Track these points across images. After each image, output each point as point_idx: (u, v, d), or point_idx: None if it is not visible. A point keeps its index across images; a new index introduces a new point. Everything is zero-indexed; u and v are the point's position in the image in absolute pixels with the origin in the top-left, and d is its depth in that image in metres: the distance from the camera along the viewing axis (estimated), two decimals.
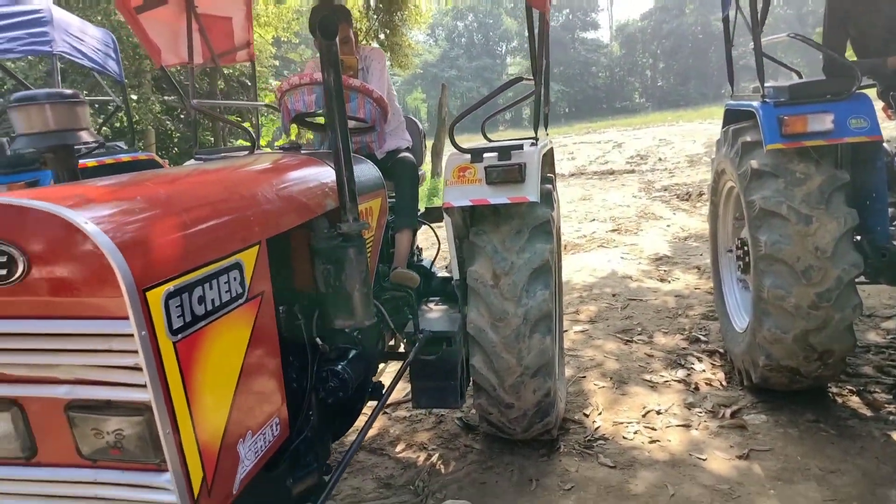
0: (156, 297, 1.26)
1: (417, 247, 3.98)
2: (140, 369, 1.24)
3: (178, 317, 1.33)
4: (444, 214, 3.09)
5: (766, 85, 3.56)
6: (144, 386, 1.25)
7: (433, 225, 3.84)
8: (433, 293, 3.52)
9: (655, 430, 3.53)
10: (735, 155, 3.65)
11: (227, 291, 1.51)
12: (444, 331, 3.02)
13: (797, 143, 3.21)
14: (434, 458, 3.45)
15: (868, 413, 3.46)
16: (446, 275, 3.59)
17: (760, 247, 3.28)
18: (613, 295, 6.00)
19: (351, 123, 2.84)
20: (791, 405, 3.57)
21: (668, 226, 8.98)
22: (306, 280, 2.15)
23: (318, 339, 2.15)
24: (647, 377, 4.19)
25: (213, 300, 1.45)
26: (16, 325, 1.27)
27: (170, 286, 1.31)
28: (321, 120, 3.04)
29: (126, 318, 1.21)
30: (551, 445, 3.43)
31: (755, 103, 3.50)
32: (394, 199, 3.32)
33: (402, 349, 3.59)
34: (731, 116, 4.03)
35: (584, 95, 54.84)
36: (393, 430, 3.82)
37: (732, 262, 4.33)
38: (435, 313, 3.30)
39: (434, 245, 4.36)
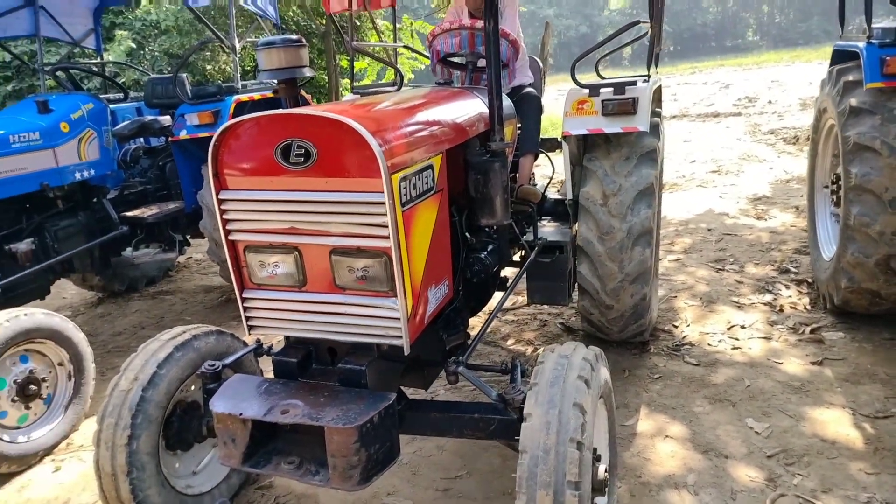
0: (396, 179, 1.93)
1: (532, 173, 4.54)
2: (386, 226, 1.92)
3: (405, 195, 1.99)
4: (562, 142, 3.62)
5: (873, 26, 3.76)
6: (387, 238, 1.94)
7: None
8: (546, 213, 4.09)
9: (738, 340, 4.01)
10: (837, 94, 3.91)
11: (425, 184, 2.17)
12: (557, 241, 3.62)
13: None
14: (539, 351, 4.11)
15: None
16: (558, 197, 4.14)
17: (851, 178, 3.60)
18: (709, 229, 6.33)
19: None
20: (869, 325, 3.93)
21: (771, 168, 8.97)
22: (460, 187, 2.79)
23: (466, 234, 2.80)
24: (735, 299, 4.62)
25: (420, 188, 2.11)
26: (307, 196, 1.98)
27: (401, 174, 1.97)
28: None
29: (382, 192, 1.88)
30: (643, 347, 3.99)
31: (860, 44, 3.73)
32: (519, 129, 3.87)
33: (516, 259, 4.22)
34: (838, 57, 4.23)
35: (692, 33, 51.72)
36: (503, 329, 4.51)
37: (827, 198, 4.60)
38: (549, 227, 3.89)
39: (542, 172, 4.90)
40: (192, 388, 2.74)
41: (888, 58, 3.45)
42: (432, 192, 2.24)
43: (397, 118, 2.20)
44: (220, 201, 2.10)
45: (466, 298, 2.89)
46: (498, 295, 3.39)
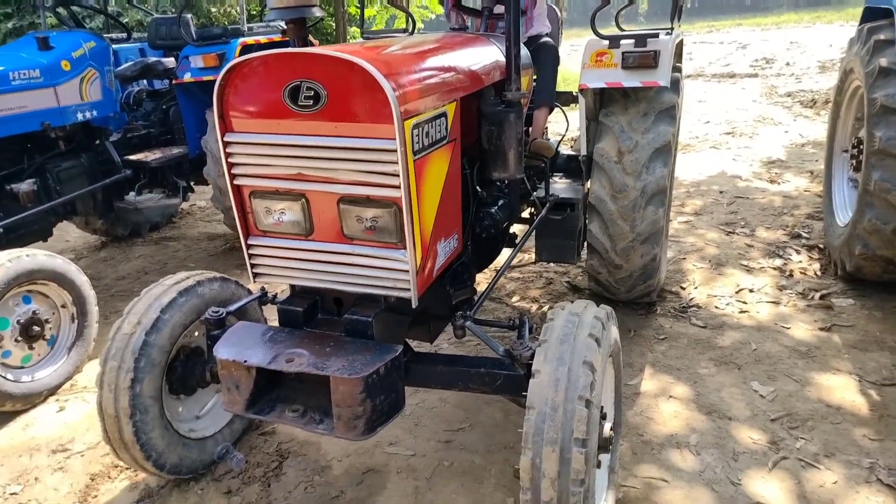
0: (408, 126, 1.85)
1: (545, 127, 4.42)
2: (397, 175, 1.85)
3: (417, 143, 1.92)
4: (578, 95, 3.50)
5: None
6: (398, 187, 1.87)
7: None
8: (558, 169, 4.00)
9: (746, 303, 3.97)
10: (866, 53, 3.76)
11: (438, 132, 2.09)
12: (569, 198, 3.54)
13: None
14: (545, 308, 4.09)
15: None
16: (571, 153, 4.04)
17: (875, 142, 3.49)
18: (721, 192, 6.23)
19: (502, 9, 3.26)
20: (880, 293, 3.88)
21: (787, 131, 8.79)
22: (472, 138, 2.70)
23: (477, 187, 2.73)
24: (745, 262, 4.57)
25: (432, 136, 2.03)
26: (315, 140, 1.90)
27: (414, 121, 1.89)
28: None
29: (393, 139, 1.80)
30: (649, 308, 3.96)
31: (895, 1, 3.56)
32: (535, 80, 3.75)
33: (525, 216, 4.15)
34: (870, 14, 4.05)
35: None
36: (509, 286, 4.48)
37: (846, 162, 4.49)
38: (561, 184, 3.81)
39: (553, 129, 4.78)
40: (196, 333, 2.73)
41: None
42: (445, 141, 2.16)
43: (411, 62, 2.10)
44: (226, 144, 2.03)
45: (475, 254, 2.84)
46: (506, 251, 3.34)
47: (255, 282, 2.27)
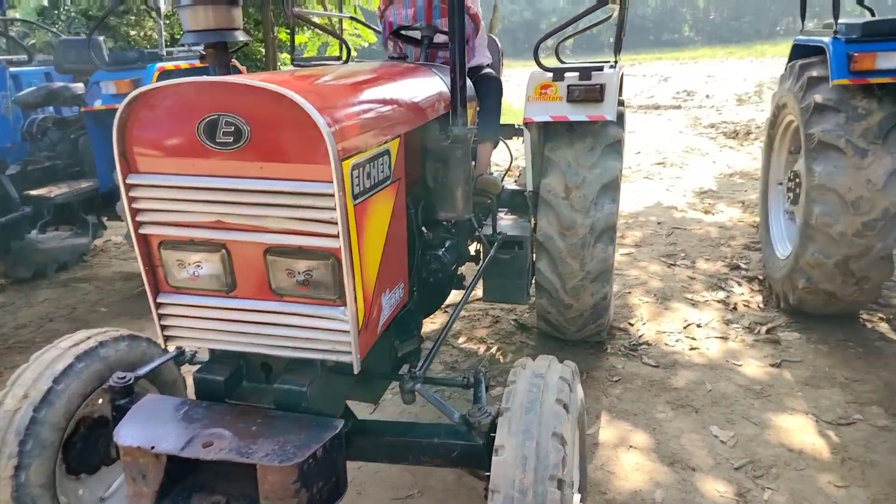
0: (347, 166, 1.60)
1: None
2: (335, 223, 1.59)
3: (357, 185, 1.67)
4: (523, 129, 3.36)
5: (839, 21, 3.67)
6: (336, 236, 1.61)
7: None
8: (503, 204, 3.83)
9: (695, 339, 3.89)
10: (799, 89, 3.81)
11: (381, 172, 1.85)
12: (516, 235, 3.37)
13: (864, 80, 3.37)
14: (493, 350, 3.88)
15: (895, 337, 3.77)
16: (516, 187, 3.89)
17: (814, 177, 3.51)
18: (658, 223, 6.26)
19: (444, 38, 3.09)
20: (823, 326, 3.89)
21: (714, 162, 9.07)
22: (416, 176, 2.48)
23: (423, 228, 2.50)
24: (689, 296, 4.52)
25: (374, 177, 1.79)
26: (237, 183, 1.62)
27: (353, 160, 1.64)
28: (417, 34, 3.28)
29: (330, 181, 1.55)
30: (599, 347, 3.82)
31: (826, 39, 3.63)
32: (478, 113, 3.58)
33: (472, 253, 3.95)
34: (799, 51, 4.14)
35: (631, 25, 52.47)
36: (455, 325, 4.24)
37: (782, 195, 4.55)
38: (507, 221, 3.63)
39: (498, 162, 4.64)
40: (100, 401, 2.34)
41: (856, 54, 3.35)
42: (389, 181, 1.92)
43: (348, 93, 1.86)
44: (129, 187, 1.71)
45: (421, 300, 2.60)
46: (454, 293, 3.12)
47: (166, 346, 1.93)
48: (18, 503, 1.99)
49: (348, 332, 1.72)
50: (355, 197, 1.67)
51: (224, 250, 1.75)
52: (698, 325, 4.07)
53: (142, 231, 1.77)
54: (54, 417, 2.08)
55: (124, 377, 2.15)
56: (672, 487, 2.61)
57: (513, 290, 3.43)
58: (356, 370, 1.76)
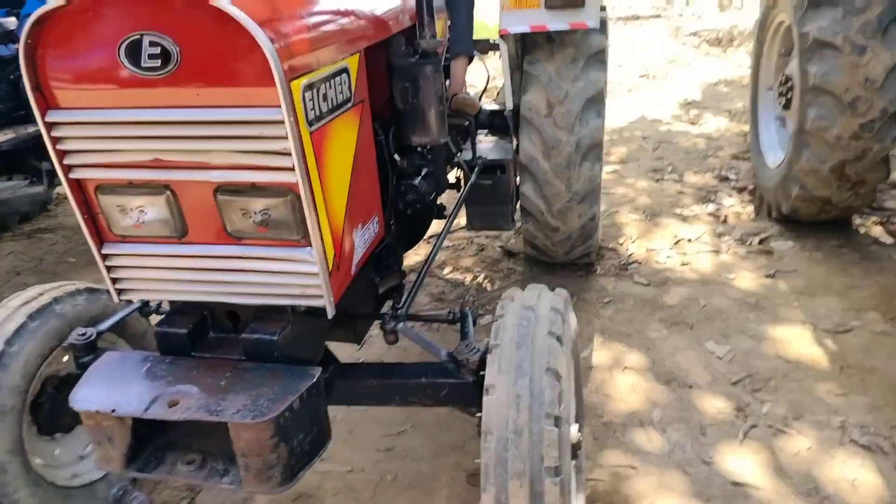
0: (297, 88, 1.39)
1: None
2: (288, 154, 1.40)
3: (312, 109, 1.46)
4: (498, 42, 3.10)
5: None
6: (292, 169, 1.42)
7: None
8: (482, 126, 3.61)
9: (686, 255, 3.79)
10: None
11: (340, 93, 1.63)
12: (498, 159, 3.17)
13: None
14: (480, 279, 3.76)
15: (890, 241, 3.68)
16: (494, 107, 3.65)
17: (809, 78, 3.31)
18: (644, 137, 6.06)
19: None
20: (817, 234, 3.79)
21: (698, 71, 8.76)
22: (384, 98, 2.26)
23: (396, 156, 2.30)
24: (678, 211, 4.39)
25: (332, 99, 1.58)
26: (172, 114, 1.41)
27: (305, 80, 1.43)
28: None
29: (277, 106, 1.34)
30: (588, 268, 3.71)
31: None
32: (449, 27, 3.30)
33: (451, 180, 3.75)
34: None
35: None
36: (440, 256, 4.10)
37: (772, 101, 4.34)
38: (487, 143, 3.42)
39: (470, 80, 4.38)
40: (65, 358, 2.20)
41: None
42: (350, 104, 1.71)
43: (294, 2, 1.61)
44: (50, 126, 1.49)
45: (399, 233, 2.44)
46: (436, 223, 2.95)
47: (119, 300, 1.76)
48: None
49: (317, 274, 1.56)
50: (310, 123, 1.46)
51: (169, 192, 1.55)
52: (689, 240, 3.96)
53: (73, 175, 1.56)
54: (11, 381, 1.95)
55: (85, 333, 2.01)
56: (669, 406, 2.55)
57: (496, 217, 3.27)
58: (329, 314, 1.61)
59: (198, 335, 1.75)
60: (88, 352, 2.00)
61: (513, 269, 3.82)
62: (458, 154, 3.02)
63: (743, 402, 2.54)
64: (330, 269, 1.60)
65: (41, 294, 2.12)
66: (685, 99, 7.37)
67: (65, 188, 1.58)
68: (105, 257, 1.67)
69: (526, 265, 3.83)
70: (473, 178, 2.93)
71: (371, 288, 2.24)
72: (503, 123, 3.37)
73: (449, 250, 4.15)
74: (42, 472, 2.09)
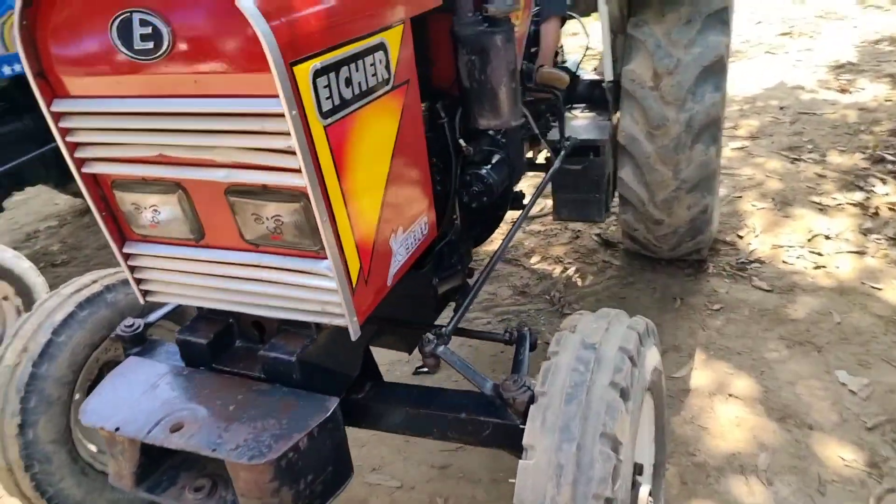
0: (304, 73, 1.14)
1: (560, 45, 3.57)
2: (293, 153, 1.16)
3: (327, 98, 1.21)
4: (599, 1, 2.67)
5: None
6: (299, 171, 1.18)
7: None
8: (578, 99, 3.19)
9: (822, 255, 3.19)
10: None
11: (373, 75, 1.36)
12: (591, 139, 2.76)
13: None
14: (570, 272, 3.40)
15: None
16: (594, 77, 3.22)
17: None
18: (781, 108, 5.26)
19: None
20: None
21: (855, 27, 7.51)
22: (448, 74, 1.96)
23: (461, 141, 2.00)
24: (816, 199, 3.73)
25: (359, 83, 1.31)
26: (170, 105, 1.22)
27: (317, 62, 1.17)
28: None
29: (276, 96, 1.10)
30: (698, 266, 3.23)
31: None
32: None
33: (540, 160, 3.39)
34: None
35: None
36: (528, 242, 3.78)
37: None
38: (581, 120, 3.01)
39: (577, 44, 3.92)
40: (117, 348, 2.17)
41: None
42: (388, 86, 1.43)
43: None
44: (57, 116, 1.35)
45: (465, 228, 2.16)
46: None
47: (145, 301, 1.64)
48: (30, 460, 1.87)
49: (336, 290, 1.33)
50: (325, 114, 1.21)
51: (181, 191, 1.38)
52: (827, 237, 3.33)
53: (86, 170, 1.43)
54: (57, 371, 1.91)
55: (132, 324, 1.93)
56: (781, 451, 2.11)
57: (587, 206, 2.87)
58: (353, 335, 1.38)
59: (221, 344, 1.60)
60: (136, 343, 1.92)
61: (609, 263, 3.41)
62: (546, 135, 2.67)
63: (879, 456, 2.04)
64: (354, 283, 1.37)
65: (94, 282, 2.08)
66: (836, 61, 6.33)
67: (79, 183, 1.45)
68: (127, 257, 1.55)
69: (625, 259, 3.41)
70: (558, 162, 2.55)
71: (428, 290, 2.00)
72: (602, 97, 2.94)
73: (539, 236, 3.81)
74: (91, 460, 2.07)
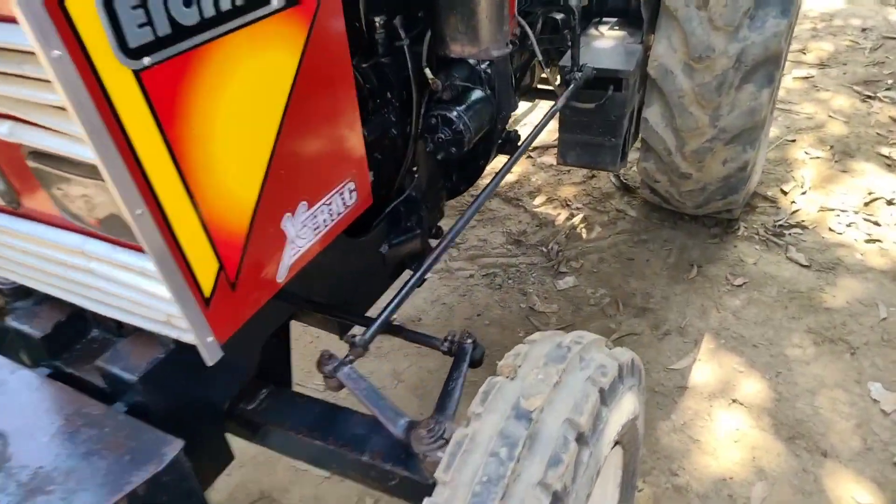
0: None
1: None
2: (63, 110, 0.74)
3: (140, 26, 0.76)
4: None
5: None
6: (81, 139, 0.77)
7: None
8: (608, 13, 2.59)
9: (878, 225, 2.67)
10: None
11: None
12: (613, 69, 2.20)
13: None
14: (576, 220, 2.94)
15: None
16: None
17: None
18: (863, 29, 4.44)
19: None
20: None
21: None
22: None
23: (427, 71, 1.52)
24: (886, 151, 3.13)
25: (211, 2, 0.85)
26: None
27: None
28: None
29: (14, 20, 0.67)
30: (727, 226, 2.74)
31: None
32: None
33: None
34: None
35: None
36: (535, 178, 3.30)
37: None
38: (605, 41, 2.42)
39: None
40: None
41: None
42: (275, 4, 0.96)
43: None
44: None
45: (429, 182, 1.73)
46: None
47: None
48: None
49: (170, 298, 0.94)
50: (133, 53, 0.77)
51: None
52: (889, 202, 2.78)
53: None
54: None
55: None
56: (783, 481, 1.75)
57: (600, 152, 2.35)
58: (208, 361, 1.02)
59: (64, 337, 1.24)
60: None
61: (623, 213, 2.94)
62: (549, 65, 2.13)
63: None
64: (210, 289, 0.99)
65: None
66: None
67: None
68: None
69: (642, 210, 2.94)
70: (563, 98, 2.02)
71: (373, 260, 1.62)
72: (636, 12, 2.35)
73: (549, 171, 3.32)
74: None
